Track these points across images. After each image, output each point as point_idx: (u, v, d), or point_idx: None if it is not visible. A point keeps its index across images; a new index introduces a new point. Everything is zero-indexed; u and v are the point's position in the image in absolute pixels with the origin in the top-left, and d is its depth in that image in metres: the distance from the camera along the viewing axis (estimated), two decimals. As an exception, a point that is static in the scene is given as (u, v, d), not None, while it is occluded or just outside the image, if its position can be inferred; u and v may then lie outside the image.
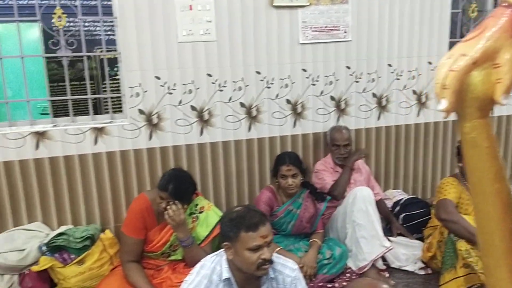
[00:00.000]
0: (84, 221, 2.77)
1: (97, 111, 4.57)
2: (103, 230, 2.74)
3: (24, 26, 2.65)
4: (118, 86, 3.05)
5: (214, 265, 1.70)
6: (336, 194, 2.78)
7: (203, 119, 2.87)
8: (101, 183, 2.76)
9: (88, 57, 2.94)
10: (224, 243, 1.66)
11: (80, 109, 3.45)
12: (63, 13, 2.63)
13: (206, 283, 1.65)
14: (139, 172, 2.82)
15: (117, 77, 4.85)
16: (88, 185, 2.74)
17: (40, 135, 2.60)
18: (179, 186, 2.30)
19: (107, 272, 2.55)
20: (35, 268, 2.48)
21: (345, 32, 2.96)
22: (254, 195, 3.06)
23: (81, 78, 3.60)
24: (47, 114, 3.39)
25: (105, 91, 3.23)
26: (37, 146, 2.61)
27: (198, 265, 1.74)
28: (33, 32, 3.43)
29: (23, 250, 2.51)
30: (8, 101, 2.74)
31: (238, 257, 1.64)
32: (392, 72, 3.21)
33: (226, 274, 1.67)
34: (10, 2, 2.64)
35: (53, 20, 2.63)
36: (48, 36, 2.69)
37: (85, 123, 2.75)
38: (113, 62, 4.77)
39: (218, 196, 2.99)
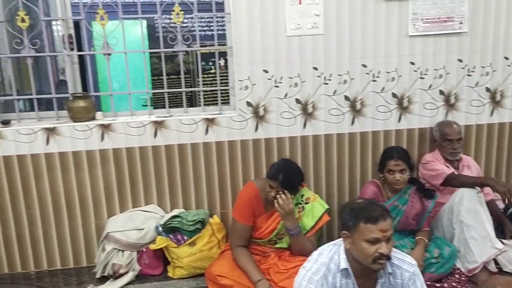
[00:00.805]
0: (193, 206, 2.96)
1: (192, 104, 4.83)
2: (211, 215, 2.90)
3: (132, 24, 2.84)
4: (214, 80, 3.19)
5: (332, 254, 1.73)
6: (453, 185, 2.67)
7: (307, 112, 2.91)
8: (209, 171, 2.92)
9: (186, 52, 3.10)
10: (343, 232, 1.69)
11: (177, 102, 3.58)
12: (180, 10, 2.81)
13: (324, 270, 1.70)
14: (245, 162, 2.93)
15: (211, 71, 5.10)
16: (198, 172, 2.91)
17: (158, 124, 2.81)
18: (289, 176, 2.36)
19: (216, 255, 2.70)
20: (152, 246, 2.71)
21: (461, 23, 2.82)
22: (355, 189, 3.05)
23: (178, 72, 3.81)
24: (148, 106, 3.64)
25: (200, 84, 3.38)
26: (155, 134, 2.82)
27: (315, 253, 1.79)
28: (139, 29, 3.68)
29: (142, 229, 2.74)
30: (112, 93, 2.96)
31: (355, 247, 1.66)
32: (509, 66, 3.01)
33: (344, 264, 1.70)
34: (135, 0, 2.85)
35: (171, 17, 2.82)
36: (153, 32, 2.87)
37: (196, 114, 2.92)
38: (208, 57, 5.00)
39: (319, 188, 3.02)
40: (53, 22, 3.82)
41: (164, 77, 2.96)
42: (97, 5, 2.77)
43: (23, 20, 2.67)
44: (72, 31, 2.82)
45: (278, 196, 2.33)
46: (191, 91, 4.60)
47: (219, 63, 4.36)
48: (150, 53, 4.37)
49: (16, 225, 2.80)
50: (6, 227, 2.80)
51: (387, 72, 2.91)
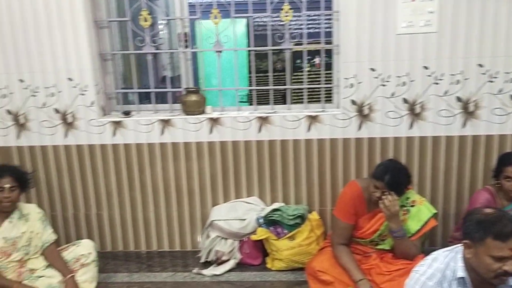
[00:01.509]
0: (292, 201, 3.01)
1: (285, 101, 4.86)
2: (310, 211, 2.94)
3: (230, 22, 2.94)
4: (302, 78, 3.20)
5: (448, 261, 1.67)
6: None
7: (414, 112, 2.82)
8: (310, 167, 2.95)
9: (280, 51, 3.14)
10: (465, 241, 1.62)
11: (267, 100, 3.63)
12: (290, 9, 2.86)
13: (439, 277, 1.65)
14: (346, 160, 2.92)
15: (302, 70, 5.10)
16: (299, 168, 2.96)
17: (263, 120, 2.90)
18: (396, 177, 2.31)
19: (314, 250, 2.73)
20: (253, 237, 2.81)
21: None
22: (463, 196, 2.91)
23: (274, 70, 3.85)
24: (245, 102, 3.75)
25: (293, 83, 3.41)
26: (259, 129, 2.92)
27: (429, 257, 1.74)
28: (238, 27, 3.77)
29: (244, 220, 2.86)
30: (222, 89, 3.09)
31: (477, 259, 1.58)
32: None
33: (461, 272, 1.63)
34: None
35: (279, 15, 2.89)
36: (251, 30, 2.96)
37: (300, 111, 2.97)
38: (298, 55, 5.00)
39: (423, 192, 2.91)
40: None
41: (271, 74, 3.04)
42: (210, 5, 2.93)
43: (145, 20, 2.91)
44: (187, 30, 3.01)
45: (384, 197, 2.29)
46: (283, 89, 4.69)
47: (314, 61, 4.39)
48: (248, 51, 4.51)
49: (132, 207, 3.07)
50: (122, 209, 3.08)
51: (506, 73, 2.72)
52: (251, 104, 3.22)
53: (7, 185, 2.39)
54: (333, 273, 2.38)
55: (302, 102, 3.09)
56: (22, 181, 2.49)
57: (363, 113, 2.85)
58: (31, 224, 2.51)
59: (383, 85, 2.80)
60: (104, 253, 3.08)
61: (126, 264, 2.97)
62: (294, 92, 3.36)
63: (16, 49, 2.82)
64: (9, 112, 2.93)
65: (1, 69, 2.86)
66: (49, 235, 2.58)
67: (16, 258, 2.44)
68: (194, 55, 3.18)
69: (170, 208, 3.06)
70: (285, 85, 3.19)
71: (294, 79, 3.92)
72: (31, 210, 2.57)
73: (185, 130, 2.93)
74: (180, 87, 3.09)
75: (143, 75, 3.41)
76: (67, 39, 2.80)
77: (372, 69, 2.78)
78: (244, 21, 4.02)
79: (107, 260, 3.00)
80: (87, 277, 2.56)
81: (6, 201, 2.39)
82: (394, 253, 2.43)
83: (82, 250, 2.60)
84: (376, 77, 2.79)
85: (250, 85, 4.29)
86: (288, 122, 2.90)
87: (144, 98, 3.23)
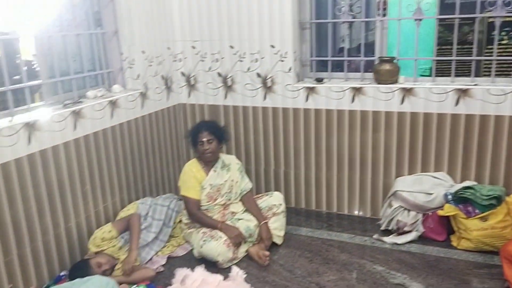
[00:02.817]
0: (487, 181, 2.83)
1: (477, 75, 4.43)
2: (507, 194, 2.72)
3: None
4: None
5: None
6: None
7: None
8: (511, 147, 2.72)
9: (472, 20, 2.85)
10: None
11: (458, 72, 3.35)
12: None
13: None
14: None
15: (502, 42, 4.54)
16: (498, 147, 2.75)
17: (462, 92, 2.75)
18: None
19: (509, 235, 2.54)
20: (440, 212, 2.74)
21: None
22: None
23: (463, 42, 3.49)
24: (427, 75, 3.50)
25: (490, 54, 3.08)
26: (456, 102, 2.78)
27: None
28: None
29: (430, 194, 2.80)
30: (417, 58, 2.98)
31: None
32: None
33: None
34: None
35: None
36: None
37: (507, 84, 2.72)
38: (503, 26, 4.45)
39: None
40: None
41: (475, 45, 2.85)
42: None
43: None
44: (386, -2, 2.99)
45: None
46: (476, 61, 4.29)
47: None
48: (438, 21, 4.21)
49: (316, 169, 3.26)
50: (308, 169, 3.30)
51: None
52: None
53: (205, 139, 2.78)
54: (535, 261, 2.20)
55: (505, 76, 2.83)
56: (218, 134, 2.85)
57: None
58: (232, 173, 2.88)
59: None
60: (288, 208, 3.34)
61: (308, 221, 3.20)
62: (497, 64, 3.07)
63: (230, 19, 3.19)
64: (219, 74, 3.35)
65: (216, 36, 3.27)
66: (246, 184, 2.93)
67: (220, 202, 2.83)
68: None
69: (353, 174, 3.17)
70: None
71: (487, 52, 3.56)
72: (232, 160, 2.95)
73: (375, 99, 2.96)
74: (370, 56, 3.11)
75: (322, 47, 3.49)
76: (274, 9, 3.04)
77: None
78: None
79: (291, 215, 3.27)
80: (277, 225, 2.85)
81: (207, 152, 2.78)
82: None
83: (274, 201, 2.90)
84: None
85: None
86: (492, 96, 2.69)
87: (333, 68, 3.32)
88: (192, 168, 2.82)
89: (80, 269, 2.27)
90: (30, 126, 2.28)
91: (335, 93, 3.06)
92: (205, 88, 3.41)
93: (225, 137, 2.93)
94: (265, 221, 2.81)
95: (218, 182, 2.83)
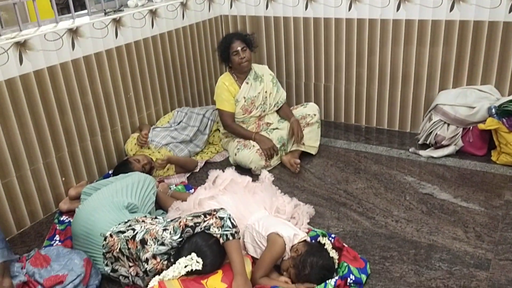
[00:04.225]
0: (538, 95, 2.65)
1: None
2: (558, 109, 2.55)
3: None
4: None
5: None
6: None
7: None
8: None
9: None
10: None
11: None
12: None
13: None
14: None
15: None
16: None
17: None
18: None
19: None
20: (481, 126, 2.64)
21: None
22: None
23: None
24: None
25: None
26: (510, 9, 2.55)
27: None
28: None
29: (473, 107, 2.68)
30: None
31: None
32: None
33: None
34: None
35: None
36: None
37: None
38: None
39: None
40: None
41: None
42: None
43: None
44: None
45: None
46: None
47: None
48: None
49: (357, 83, 3.20)
50: (349, 83, 3.24)
51: None
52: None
53: (239, 48, 2.77)
54: None
55: None
56: (248, 42, 2.82)
57: None
58: (265, 85, 2.90)
59: None
60: (327, 122, 3.38)
61: (346, 134, 3.21)
62: None
63: None
64: (261, -16, 3.28)
65: None
66: (281, 96, 2.96)
67: (255, 114, 2.89)
68: None
69: (394, 88, 3.08)
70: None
71: None
72: (264, 71, 2.95)
73: (422, 6, 2.78)
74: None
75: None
76: None
77: None
78: None
79: (330, 128, 3.30)
80: (311, 135, 2.89)
81: (244, 61, 2.78)
82: None
83: (308, 111, 2.92)
84: None
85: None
86: (552, 0, 2.44)
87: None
88: (225, 82, 2.86)
89: (123, 165, 2.49)
90: (73, 32, 2.41)
91: (379, 1, 2.90)
92: (247, -1, 3.36)
93: (254, 43, 2.90)
94: (295, 118, 2.83)
95: (251, 94, 2.86)
